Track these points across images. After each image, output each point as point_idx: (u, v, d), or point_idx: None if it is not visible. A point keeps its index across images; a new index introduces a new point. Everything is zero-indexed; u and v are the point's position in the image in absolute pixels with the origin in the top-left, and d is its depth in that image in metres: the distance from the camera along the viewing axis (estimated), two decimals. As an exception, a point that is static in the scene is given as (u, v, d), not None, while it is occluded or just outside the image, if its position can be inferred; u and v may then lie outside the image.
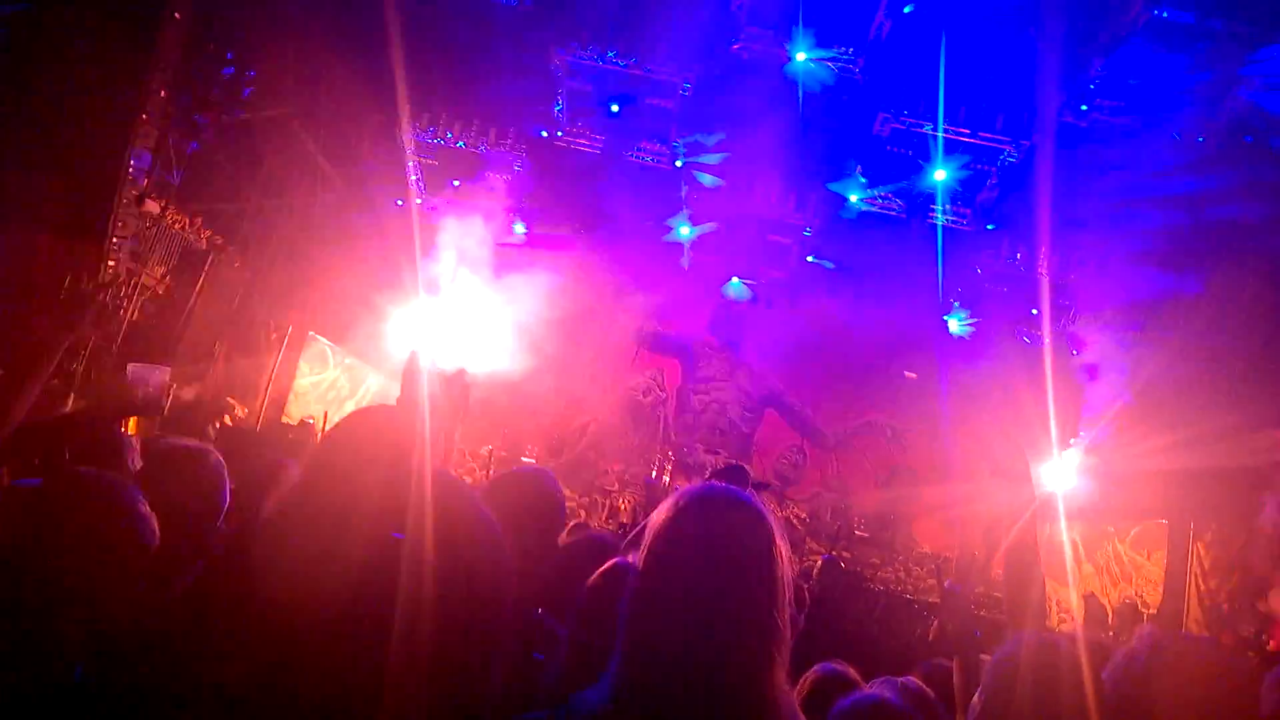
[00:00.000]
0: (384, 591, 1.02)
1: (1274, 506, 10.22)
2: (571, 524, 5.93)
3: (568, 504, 12.50)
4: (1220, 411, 11.27)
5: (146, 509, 1.75)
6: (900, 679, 2.63)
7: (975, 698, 1.98)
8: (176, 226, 11.56)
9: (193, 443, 2.25)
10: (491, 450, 12.93)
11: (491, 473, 11.77)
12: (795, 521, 13.24)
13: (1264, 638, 9.74)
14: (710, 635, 1.30)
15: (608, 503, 12.43)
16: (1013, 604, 2.44)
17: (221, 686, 1.02)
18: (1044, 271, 14.03)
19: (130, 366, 9.77)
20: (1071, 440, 11.79)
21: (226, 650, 1.03)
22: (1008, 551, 2.36)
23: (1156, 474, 11.35)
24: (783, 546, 1.42)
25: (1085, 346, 12.52)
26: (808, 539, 12.94)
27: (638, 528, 1.73)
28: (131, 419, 9.82)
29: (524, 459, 13.39)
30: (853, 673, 2.68)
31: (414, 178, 13.88)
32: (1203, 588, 11.05)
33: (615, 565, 2.65)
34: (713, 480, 1.83)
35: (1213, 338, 11.73)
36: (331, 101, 12.56)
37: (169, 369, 10.28)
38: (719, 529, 1.38)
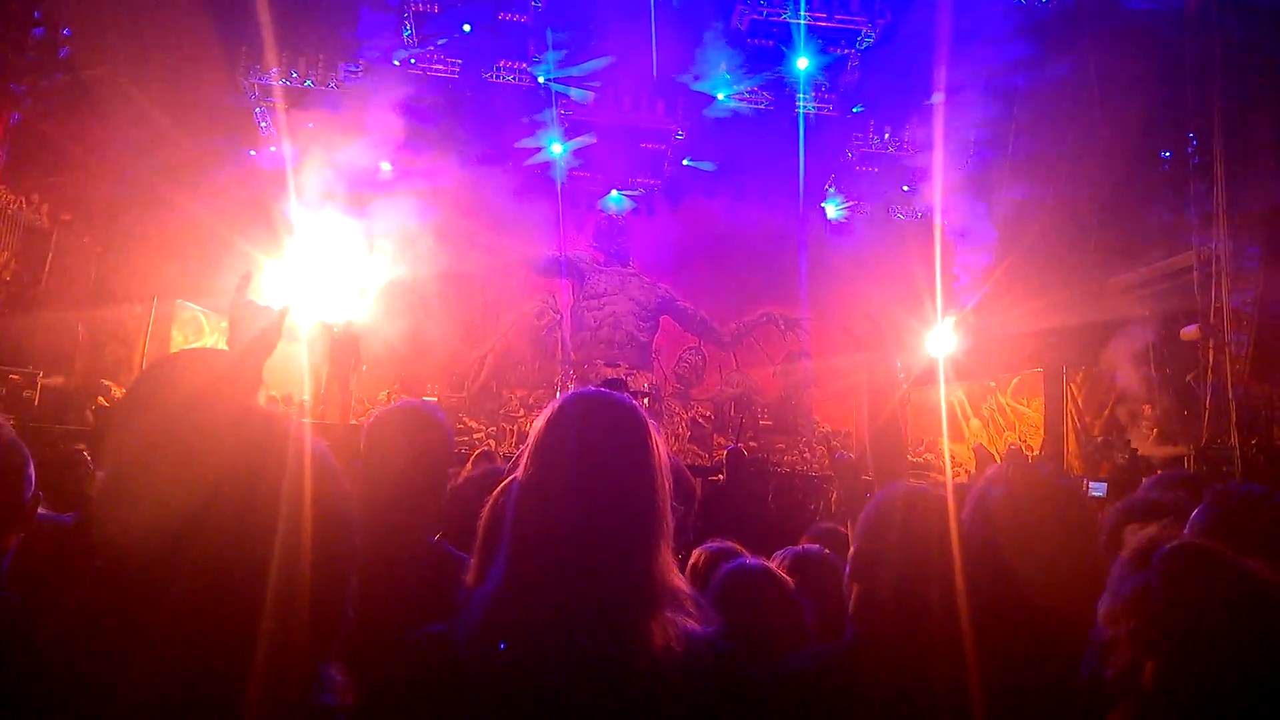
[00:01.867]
0: (222, 540, 0.99)
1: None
2: (476, 453, 5.94)
3: (475, 435, 12.55)
4: (1080, 264, 12.05)
5: None
6: (798, 547, 2.80)
7: (851, 552, 2.11)
8: (13, 207, 10.68)
9: None
10: (390, 394, 12.72)
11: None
12: (701, 420, 13.60)
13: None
14: (591, 524, 1.36)
15: (515, 429, 12.46)
16: (878, 467, 2.59)
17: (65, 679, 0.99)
18: (908, 148, 14.43)
19: None
20: (950, 306, 12.40)
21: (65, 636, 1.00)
22: (870, 417, 2.51)
23: (1030, 330, 12.09)
24: (659, 440, 1.48)
25: (952, 216, 13.04)
26: (714, 435, 13.33)
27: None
28: None
29: (425, 398, 13.21)
30: (738, 547, 2.83)
31: (263, 124, 13.11)
32: (1078, 425, 11.99)
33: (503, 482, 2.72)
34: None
35: (1070, 191, 12.41)
36: (162, 52, 11.64)
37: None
38: (593, 426, 1.44)
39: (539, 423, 1.48)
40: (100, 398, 10.18)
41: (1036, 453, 12.05)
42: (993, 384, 13.26)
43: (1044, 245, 12.07)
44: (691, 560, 2.80)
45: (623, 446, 1.43)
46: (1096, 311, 11.52)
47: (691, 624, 1.42)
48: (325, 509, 1.07)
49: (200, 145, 12.21)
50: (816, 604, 2.35)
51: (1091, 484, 8.25)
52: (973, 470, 12.37)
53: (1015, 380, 12.88)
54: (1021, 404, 12.76)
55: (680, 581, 1.47)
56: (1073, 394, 12.11)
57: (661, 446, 1.49)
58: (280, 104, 13.22)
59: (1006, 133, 13.11)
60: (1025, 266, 12.24)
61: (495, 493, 2.60)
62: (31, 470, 2.12)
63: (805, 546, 2.76)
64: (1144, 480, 3.52)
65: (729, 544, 2.88)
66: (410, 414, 2.49)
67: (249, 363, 1.69)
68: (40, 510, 2.32)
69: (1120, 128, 11.50)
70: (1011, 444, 12.41)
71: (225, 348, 1.75)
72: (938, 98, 13.15)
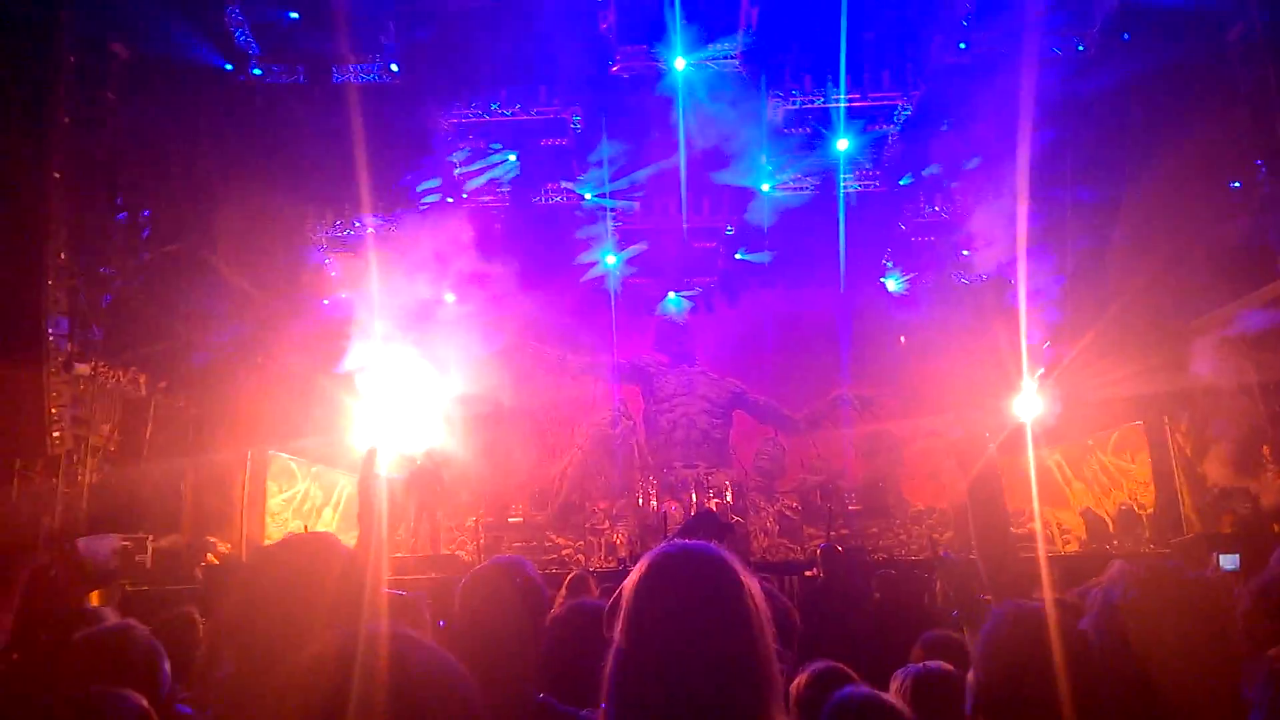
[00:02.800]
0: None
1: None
2: (571, 576, 5.91)
3: (563, 551, 12.51)
4: (1162, 306, 11.59)
5: None
6: (920, 665, 2.62)
7: (969, 677, 1.98)
8: (112, 381, 11.39)
9: (115, 623, 2.22)
10: (477, 519, 12.84)
11: (483, 540, 11.68)
12: (788, 512, 13.29)
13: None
14: (696, 693, 1.32)
15: (601, 541, 12.39)
16: (988, 565, 2.44)
17: None
18: (961, 213, 14.35)
19: (80, 541, 9.56)
20: (1032, 368, 12.00)
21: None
22: (969, 492, 2.39)
23: (1119, 381, 11.59)
24: (753, 587, 1.45)
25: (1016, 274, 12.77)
26: (804, 526, 13.00)
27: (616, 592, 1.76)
28: (93, 592, 9.60)
29: (510, 519, 13.32)
30: (844, 669, 2.69)
31: (331, 273, 13.83)
32: (1192, 475, 11.25)
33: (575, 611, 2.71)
34: (676, 538, 1.86)
35: (1139, 234, 12.07)
36: (234, 218, 12.49)
37: (116, 535, 10.00)
38: (684, 586, 1.41)
39: (629, 583, 1.47)
40: (209, 554, 10.53)
41: (1150, 510, 11.36)
42: (1090, 443, 12.62)
43: (1120, 293, 11.69)
44: (795, 685, 2.68)
45: (718, 606, 1.39)
46: (1189, 354, 11.00)
47: None
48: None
49: (277, 300, 12.92)
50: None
51: (1221, 557, 7.64)
52: (1084, 537, 11.71)
53: (1115, 436, 12.22)
54: (1125, 460, 12.06)
55: None
56: (1179, 444, 11.45)
57: (758, 594, 1.46)
58: (344, 251, 13.95)
59: (1064, 182, 12.90)
60: (1104, 317, 11.85)
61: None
62: (167, 667, 2.19)
63: (926, 665, 2.60)
64: (1277, 551, 3.26)
65: (833, 665, 2.75)
66: (501, 570, 2.52)
67: (373, 550, 1.71)
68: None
69: (1182, 163, 11.24)
70: (1122, 504, 11.69)
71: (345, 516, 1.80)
72: (974, 162, 13.12)
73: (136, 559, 10.32)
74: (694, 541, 1.59)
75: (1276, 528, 9.50)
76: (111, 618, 3.76)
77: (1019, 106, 12.07)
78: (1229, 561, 7.47)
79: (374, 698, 1.06)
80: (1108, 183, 12.44)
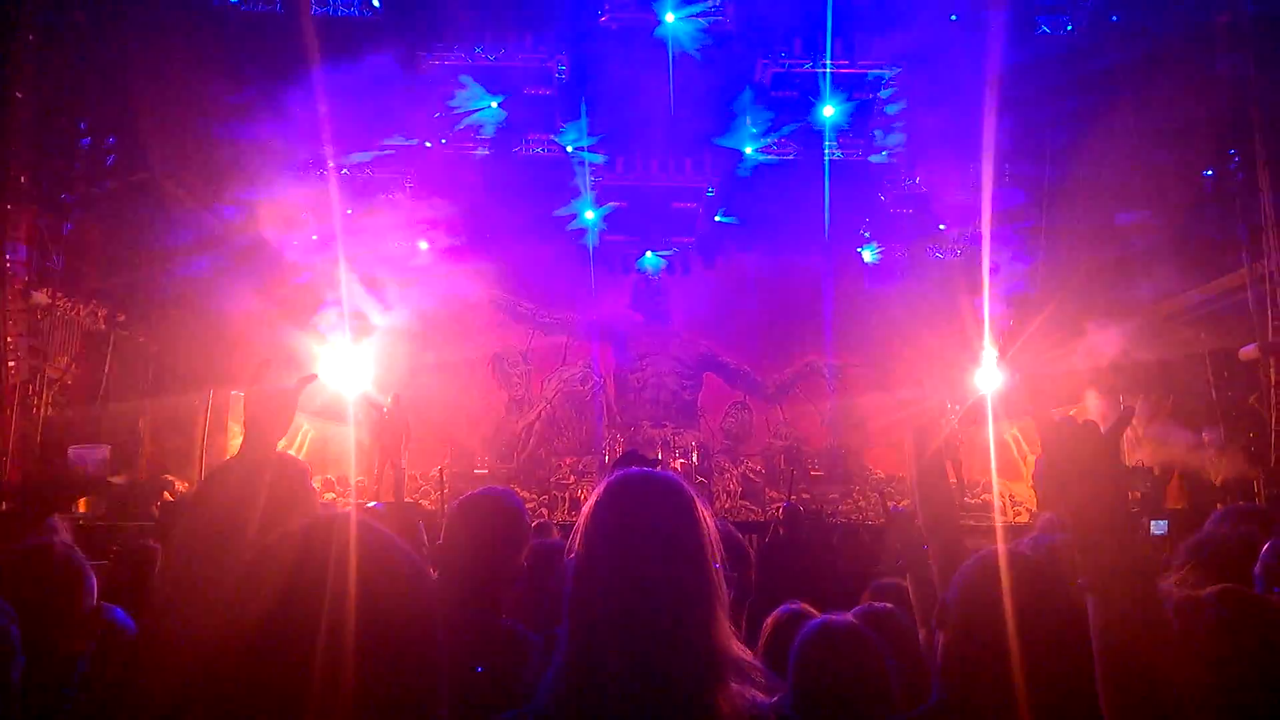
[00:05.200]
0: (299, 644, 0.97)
1: None
2: (535, 524, 5.95)
3: (528, 505, 12.47)
4: (1128, 290, 11.77)
5: None
6: (866, 605, 2.74)
7: (946, 615, 2.02)
8: (70, 313, 11.13)
9: (38, 540, 2.21)
10: (442, 469, 12.82)
11: (447, 490, 11.67)
12: (752, 475, 13.44)
13: None
14: (645, 602, 1.37)
15: (566, 496, 12.44)
16: (926, 513, 2.50)
17: None
18: (940, 187, 14.39)
19: (71, 449, 9.76)
20: (995, 343, 12.16)
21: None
22: (914, 462, 2.47)
23: (1081, 361, 11.79)
24: (704, 510, 1.49)
25: (989, 251, 12.87)
26: (766, 489, 13.15)
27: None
28: (80, 499, 9.87)
29: (476, 471, 13.30)
30: (810, 609, 2.77)
31: (302, 215, 13.54)
32: (1138, 458, 11.52)
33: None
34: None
35: (1110, 217, 12.20)
36: (201, 153, 12.17)
37: (108, 446, 10.17)
38: (638, 504, 1.46)
39: (586, 506, 1.51)
40: (165, 492, 10.43)
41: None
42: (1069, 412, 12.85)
43: (1087, 273, 11.84)
44: (767, 625, 2.76)
45: (668, 522, 1.44)
46: (1149, 338, 11.23)
47: (758, 694, 1.40)
48: (398, 614, 1.03)
49: (241, 238, 12.63)
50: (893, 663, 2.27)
51: (1153, 522, 7.92)
52: (1034, 509, 11.97)
53: (1073, 413, 12.47)
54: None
55: (741, 650, 1.45)
56: (1133, 424, 11.71)
57: (708, 516, 1.50)
58: (314, 189, 13.63)
59: (1041, 163, 12.99)
60: (1070, 295, 12.01)
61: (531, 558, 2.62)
62: (92, 582, 2.17)
63: (873, 605, 2.69)
64: (1211, 514, 3.38)
65: (801, 606, 2.82)
66: (492, 502, 2.53)
67: (254, 455, 1.71)
68: (112, 615, 2.38)
69: (1160, 149, 11.35)
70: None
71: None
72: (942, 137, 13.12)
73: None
74: (654, 470, 1.62)
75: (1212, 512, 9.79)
76: (64, 535, 3.71)
77: (1001, 82, 12.10)
78: (1158, 527, 7.77)
79: (343, 573, 1.01)
80: (1082, 162, 12.51)
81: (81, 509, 10.20)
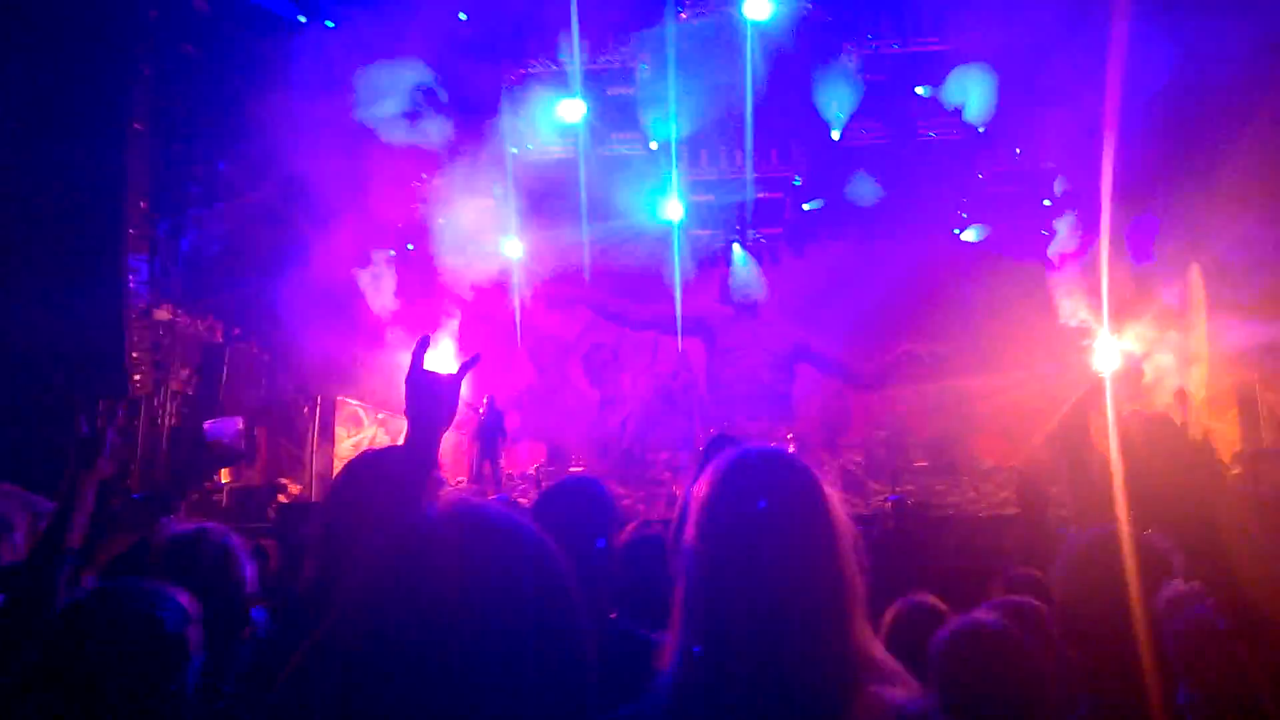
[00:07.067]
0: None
1: None
2: (638, 522, 5.94)
3: (625, 501, 12.55)
4: (1256, 265, 10.94)
5: None
6: (1004, 600, 2.59)
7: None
8: (190, 328, 11.77)
9: (197, 525, 2.23)
10: (539, 468, 12.98)
11: (544, 489, 11.80)
12: (852, 467, 13.07)
13: None
14: (772, 598, 1.26)
15: (663, 492, 12.40)
16: (1072, 489, 2.37)
17: None
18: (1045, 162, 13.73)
19: (206, 424, 10.42)
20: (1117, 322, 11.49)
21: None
22: (1055, 440, 2.32)
23: (1211, 339, 11.09)
24: (833, 495, 1.37)
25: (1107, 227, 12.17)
26: (868, 481, 12.78)
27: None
28: (223, 469, 10.52)
29: (572, 469, 13.43)
30: (936, 601, 2.65)
31: (400, 225, 13.95)
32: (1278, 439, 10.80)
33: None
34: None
35: (1238, 190, 11.34)
36: (308, 171, 12.66)
37: (240, 418, 10.77)
38: (760, 488, 1.32)
39: (700, 488, 1.38)
40: (280, 495, 10.92)
41: (1237, 470, 10.92)
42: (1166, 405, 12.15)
43: (1213, 243, 11.08)
44: (887, 618, 2.63)
45: (795, 507, 1.31)
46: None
47: (898, 695, 1.28)
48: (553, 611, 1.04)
49: (359, 251, 13.11)
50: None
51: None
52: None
53: (1203, 394, 11.77)
54: (1215, 420, 11.62)
55: (881, 650, 1.35)
56: (1269, 402, 10.96)
57: (837, 502, 1.37)
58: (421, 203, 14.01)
59: (1156, 132, 12.16)
60: (1194, 267, 11.28)
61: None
62: (249, 570, 2.21)
63: (1011, 598, 2.52)
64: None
65: (925, 597, 2.69)
66: (575, 489, 2.49)
67: (419, 448, 1.59)
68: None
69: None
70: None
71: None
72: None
73: (214, 498, 10.85)
74: (769, 446, 1.51)
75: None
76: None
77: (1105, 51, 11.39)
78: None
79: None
80: (1206, 131, 11.67)
81: (224, 479, 10.89)
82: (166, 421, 11.16)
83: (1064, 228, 13.44)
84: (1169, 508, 1.60)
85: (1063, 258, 13.01)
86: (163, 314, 11.25)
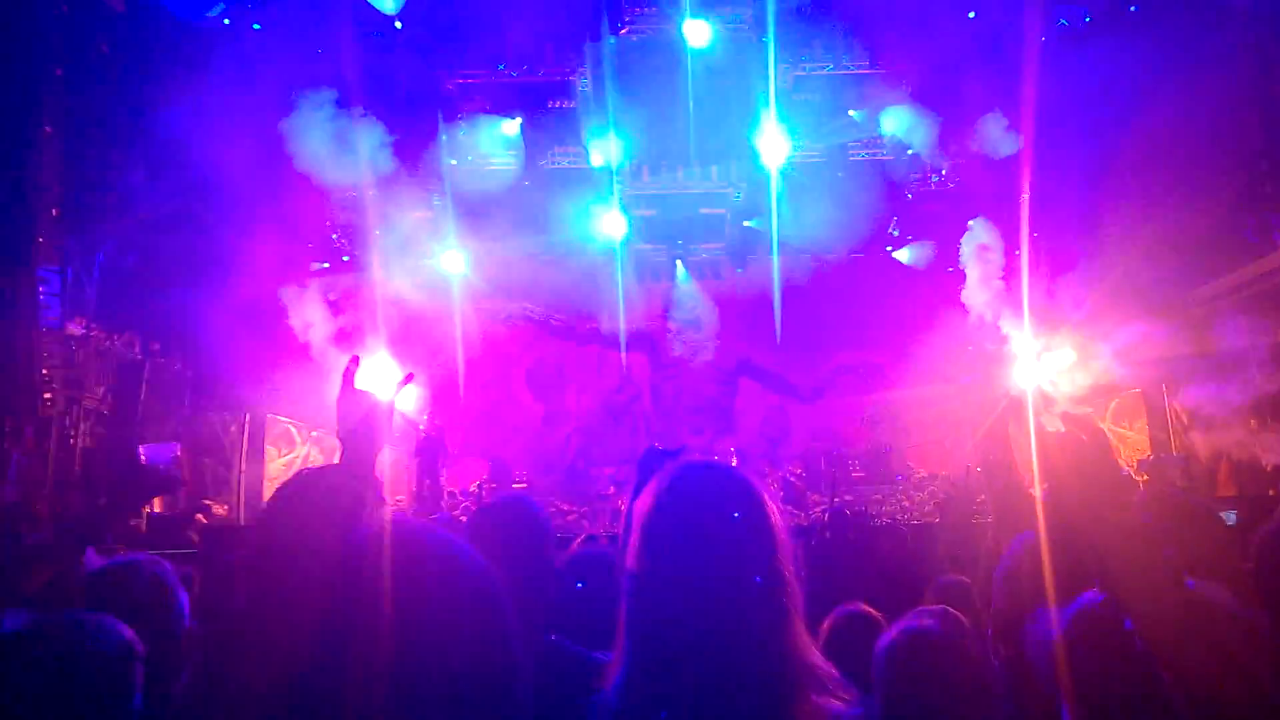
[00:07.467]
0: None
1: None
2: (582, 537, 5.88)
3: (569, 517, 12.45)
4: (1163, 275, 11.42)
5: None
6: (937, 607, 2.60)
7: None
8: (106, 343, 11.25)
9: (127, 557, 2.11)
10: (480, 484, 12.78)
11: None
12: (792, 479, 13.25)
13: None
14: (715, 609, 1.25)
15: (607, 507, 12.34)
16: (993, 498, 2.42)
17: None
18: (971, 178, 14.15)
19: (142, 449, 9.91)
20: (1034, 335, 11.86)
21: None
22: (978, 451, 2.37)
23: (1121, 349, 11.50)
24: (772, 505, 1.37)
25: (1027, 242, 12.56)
26: (807, 492, 12.97)
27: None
28: (155, 498, 9.99)
29: (514, 485, 13.27)
30: (870, 610, 2.65)
31: (334, 236, 13.64)
32: (1186, 446, 11.20)
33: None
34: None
35: (1146, 199, 11.83)
36: (231, 181, 12.27)
37: (178, 444, 10.30)
38: (701, 502, 1.32)
39: (642, 503, 1.36)
40: (200, 515, 10.46)
41: (1145, 478, 11.33)
42: (1089, 410, 12.54)
43: (1121, 258, 11.52)
44: (824, 628, 2.62)
45: (736, 519, 1.30)
46: (1187, 323, 10.89)
47: (838, 704, 1.28)
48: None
49: (285, 263, 12.72)
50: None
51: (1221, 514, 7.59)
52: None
53: (1114, 403, 12.20)
54: (1124, 428, 12.05)
55: (820, 659, 1.33)
56: (1175, 412, 11.41)
57: (776, 511, 1.37)
58: (347, 212, 13.70)
59: (1071, 142, 12.63)
60: (1106, 283, 11.69)
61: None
62: (183, 599, 2.08)
63: (944, 607, 2.52)
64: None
65: (860, 607, 2.68)
66: (507, 509, 2.41)
67: (355, 469, 1.55)
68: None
69: (1193, 128, 10.98)
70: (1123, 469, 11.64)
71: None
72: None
73: (131, 524, 10.31)
74: (711, 460, 1.51)
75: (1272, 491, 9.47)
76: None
77: (1022, 74, 11.81)
78: (1228, 518, 7.44)
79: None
80: (1116, 141, 12.13)
81: (157, 508, 10.29)
82: (79, 442, 10.62)
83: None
84: (1083, 516, 1.67)
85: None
86: (75, 328, 10.72)
